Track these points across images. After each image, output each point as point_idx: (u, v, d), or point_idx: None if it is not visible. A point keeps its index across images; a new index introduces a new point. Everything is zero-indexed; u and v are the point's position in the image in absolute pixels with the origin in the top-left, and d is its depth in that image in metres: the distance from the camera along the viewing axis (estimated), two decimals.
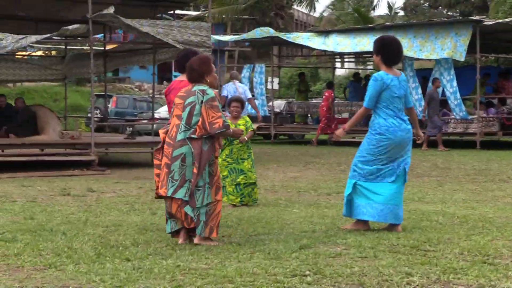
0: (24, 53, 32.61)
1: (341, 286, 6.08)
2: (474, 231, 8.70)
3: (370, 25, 28.14)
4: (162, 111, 30.80)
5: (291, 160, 19.82)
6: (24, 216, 10.07)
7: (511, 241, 7.99)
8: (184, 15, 54.67)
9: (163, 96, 44.22)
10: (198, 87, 7.89)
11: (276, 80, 34.49)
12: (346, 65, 51.65)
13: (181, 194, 7.76)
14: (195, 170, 7.75)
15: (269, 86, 35.54)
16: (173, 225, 8.05)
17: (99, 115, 30.67)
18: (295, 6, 58.61)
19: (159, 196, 8.10)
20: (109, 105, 35.17)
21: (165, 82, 54.11)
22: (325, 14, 69.70)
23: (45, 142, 18.47)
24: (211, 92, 7.86)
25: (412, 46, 24.07)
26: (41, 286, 6.09)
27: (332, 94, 27.21)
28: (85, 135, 19.66)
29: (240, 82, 20.88)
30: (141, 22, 17.62)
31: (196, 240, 7.88)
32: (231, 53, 63.05)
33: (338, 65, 51.61)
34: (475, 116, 23.73)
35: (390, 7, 67.88)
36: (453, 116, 23.94)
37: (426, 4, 76.75)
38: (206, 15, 48.96)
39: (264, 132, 28.65)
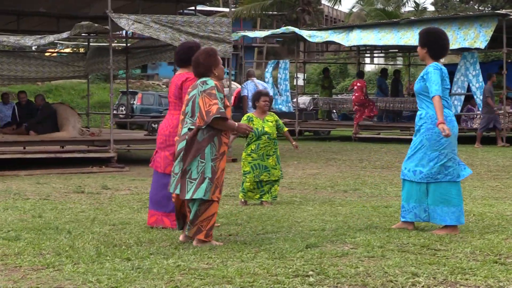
0: (52, 50, 32.78)
1: (344, 287, 5.91)
2: (489, 229, 8.47)
3: (394, 20, 27.76)
4: None
5: (312, 156, 19.61)
6: (33, 214, 9.97)
7: None
8: (213, 11, 54.65)
9: None
10: (200, 80, 7.67)
11: (301, 76, 34.26)
12: (375, 60, 51.30)
13: (199, 194, 7.53)
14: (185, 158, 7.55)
15: (296, 82, 35.42)
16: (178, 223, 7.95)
17: (124, 112, 30.63)
18: (324, 2, 58.31)
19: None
20: (134, 102, 35.18)
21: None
22: (354, 10, 69.53)
23: (64, 139, 18.42)
24: (211, 82, 7.58)
25: None
26: (35, 287, 5.97)
27: (365, 83, 27.03)
28: (105, 132, 19.57)
29: (257, 79, 20.74)
30: (160, 19, 17.44)
31: (194, 243, 7.62)
32: (261, 49, 62.94)
33: (367, 60, 51.36)
34: (502, 111, 23.34)
35: (416, 3, 67.27)
36: (478, 112, 23.57)
37: None
38: (235, 10, 48.97)
39: (288, 128, 28.35)
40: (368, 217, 9.45)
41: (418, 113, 8.47)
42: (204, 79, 7.64)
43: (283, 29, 28.70)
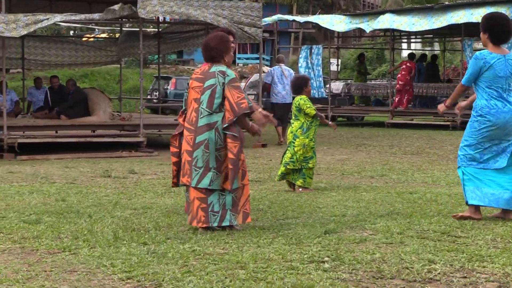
0: (89, 35, 32.93)
1: (358, 273, 5.84)
2: None
3: (428, 5, 27.41)
4: None
5: (342, 142, 19.49)
6: (57, 198, 10.01)
7: None
8: None
9: None
10: (217, 68, 7.55)
11: (334, 61, 34.08)
12: (412, 46, 50.89)
13: (205, 183, 7.45)
14: (232, 156, 7.44)
15: (332, 68, 35.24)
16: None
17: (158, 97, 30.67)
18: None
19: (176, 185, 7.90)
20: (168, 87, 35.23)
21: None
22: None
23: (95, 123, 18.48)
24: (232, 73, 7.55)
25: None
26: (49, 270, 5.98)
27: (414, 66, 26.84)
28: (136, 117, 19.61)
29: (286, 65, 20.79)
30: (191, 2, 17.41)
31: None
32: (297, 34, 62.77)
33: (404, 46, 50.96)
34: None
35: None
36: None
37: None
38: None
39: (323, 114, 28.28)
40: (391, 203, 9.37)
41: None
42: (220, 68, 7.54)
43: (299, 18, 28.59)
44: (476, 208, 8.23)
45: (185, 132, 7.62)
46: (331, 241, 6.91)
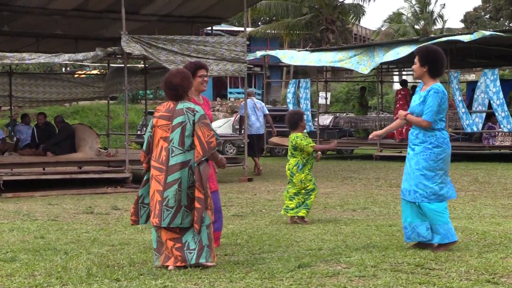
0: (80, 72, 33.05)
1: None
2: (489, 248, 8.35)
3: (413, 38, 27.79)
4: None
5: (329, 175, 19.52)
6: (36, 235, 10.00)
7: None
8: (237, 31, 54.84)
9: (216, 112, 44.01)
10: (184, 105, 7.51)
11: (323, 95, 34.20)
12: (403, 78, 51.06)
13: (177, 222, 7.39)
14: (200, 195, 7.40)
15: (320, 101, 35.32)
16: (155, 259, 7.66)
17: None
18: (352, 21, 58.20)
19: (136, 223, 7.78)
20: None
21: (218, 99, 54.21)
22: (383, 28, 69.42)
23: (80, 159, 18.50)
24: (200, 109, 7.53)
25: None
26: None
27: (409, 92, 26.92)
28: (122, 153, 19.62)
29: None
30: (175, 39, 17.52)
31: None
32: (288, 68, 62.98)
33: (396, 78, 51.15)
34: None
35: (441, 16, 66.83)
36: (500, 129, 23.35)
37: (487, 16, 75.82)
38: (262, 30, 49.07)
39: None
40: (368, 236, 9.37)
41: (414, 132, 8.40)
42: (187, 105, 7.51)
43: (261, 53, 28.85)
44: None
45: (154, 172, 7.52)
46: (303, 275, 6.91)
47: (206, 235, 7.48)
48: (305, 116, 11.35)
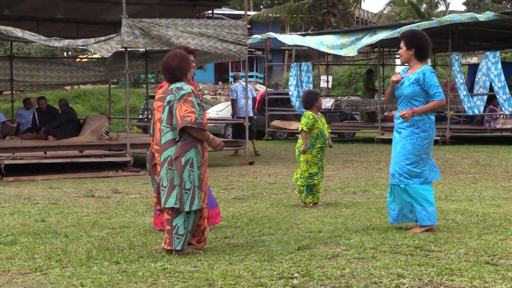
0: (82, 56, 33.04)
1: None
2: (489, 230, 8.37)
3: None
4: (212, 111, 30.74)
5: (330, 158, 19.49)
6: (36, 218, 10.01)
7: None
8: (239, 15, 54.71)
9: (218, 96, 43.99)
10: (174, 85, 7.44)
11: (325, 78, 34.13)
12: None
13: (171, 202, 7.27)
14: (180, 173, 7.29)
15: (322, 85, 35.25)
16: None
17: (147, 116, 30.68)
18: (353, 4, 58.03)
19: (162, 211, 7.61)
20: None
21: (220, 83, 54.16)
22: (385, 11, 69.30)
23: (80, 143, 18.49)
24: (188, 88, 7.40)
25: None
26: None
27: None
28: (123, 136, 19.62)
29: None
30: (176, 22, 17.47)
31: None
32: (290, 52, 62.85)
33: (398, 61, 51.01)
34: None
35: (435, 3, 66.83)
36: (501, 112, 23.32)
37: None
38: (264, 14, 48.93)
39: None
40: (368, 218, 9.39)
41: (400, 114, 8.37)
42: (179, 84, 7.43)
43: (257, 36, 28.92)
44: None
45: (156, 154, 7.51)
46: (303, 257, 6.92)
47: (192, 220, 7.39)
48: (320, 98, 11.24)
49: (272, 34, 29.41)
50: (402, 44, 8.44)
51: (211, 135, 7.50)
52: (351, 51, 24.78)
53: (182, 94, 7.34)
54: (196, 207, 7.30)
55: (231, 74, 60.43)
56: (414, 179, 8.26)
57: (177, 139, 7.31)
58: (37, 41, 16.98)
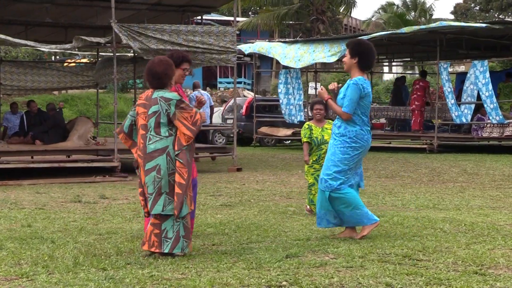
0: (70, 60, 32.95)
1: None
2: (477, 239, 8.36)
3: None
4: None
5: None
6: (23, 223, 9.95)
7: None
8: (228, 21, 54.69)
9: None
10: (158, 94, 7.46)
11: (313, 85, 34.16)
12: (394, 69, 51.14)
13: (158, 209, 7.37)
14: (182, 181, 7.37)
15: (310, 91, 35.29)
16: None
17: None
18: (343, 12, 58.15)
19: (149, 214, 7.63)
20: None
21: (208, 88, 54.12)
22: (373, 19, 69.51)
23: (68, 148, 18.44)
24: (174, 96, 7.44)
25: None
26: None
27: (428, 84, 26.88)
28: (110, 142, 19.56)
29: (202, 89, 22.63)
30: (164, 28, 17.46)
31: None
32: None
33: (385, 69, 51.20)
34: (511, 120, 23.12)
35: (424, 11, 67.02)
36: (488, 121, 23.37)
37: (477, 8, 75.90)
38: (253, 21, 48.96)
39: (299, 137, 28.31)
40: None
41: (337, 123, 8.43)
42: (161, 94, 7.45)
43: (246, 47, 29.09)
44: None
45: (139, 160, 7.55)
46: (291, 265, 6.90)
47: (182, 225, 7.46)
48: (316, 106, 11.12)
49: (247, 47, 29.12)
50: (346, 52, 8.49)
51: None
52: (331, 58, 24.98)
53: (175, 104, 7.41)
54: (185, 212, 7.43)
55: (219, 79, 60.43)
56: (340, 186, 8.32)
57: (170, 149, 7.41)
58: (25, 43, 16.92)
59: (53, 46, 17.51)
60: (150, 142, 7.41)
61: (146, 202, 7.54)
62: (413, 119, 26.17)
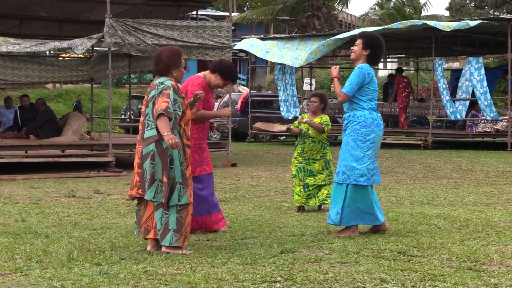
0: (65, 55, 32.87)
1: None
2: (471, 235, 8.35)
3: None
4: None
5: None
6: (17, 218, 9.92)
7: (506, 247, 7.65)
8: (223, 16, 54.59)
9: None
10: (159, 80, 7.50)
11: (308, 81, 34.15)
12: (389, 65, 51.05)
13: (149, 196, 7.35)
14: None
15: (305, 87, 35.25)
16: (136, 232, 7.72)
17: (132, 117, 30.58)
18: (337, 6, 58.09)
19: (132, 198, 7.67)
20: (140, 107, 35.15)
21: None
22: (370, 14, 69.44)
23: (62, 143, 18.39)
24: (168, 82, 7.42)
25: None
26: None
27: (401, 80, 27.04)
28: (105, 137, 19.53)
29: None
30: (158, 24, 17.43)
31: (163, 249, 7.45)
32: None
33: (381, 65, 51.08)
34: (506, 117, 23.13)
35: (415, 8, 67.00)
36: (483, 117, 23.39)
37: (472, 5, 75.87)
38: (248, 15, 48.86)
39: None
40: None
41: (346, 114, 8.42)
42: (162, 79, 7.49)
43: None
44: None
45: (136, 145, 7.57)
46: (286, 261, 6.89)
47: (174, 218, 7.38)
48: (312, 98, 11.04)
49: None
50: (358, 42, 8.41)
51: (168, 131, 7.23)
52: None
53: (161, 89, 7.38)
54: (180, 202, 7.36)
55: None
56: (359, 178, 8.25)
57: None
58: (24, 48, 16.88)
59: (52, 45, 17.34)
60: (148, 128, 7.40)
61: (132, 184, 7.55)
62: (403, 116, 26.39)
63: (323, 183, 10.85)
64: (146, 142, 7.40)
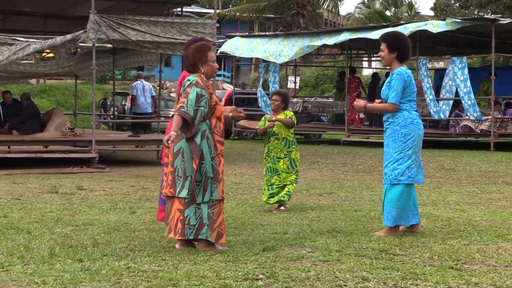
0: (48, 50, 32.74)
1: None
2: (453, 234, 8.39)
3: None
4: None
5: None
6: None
7: (487, 246, 7.68)
8: (206, 13, 54.56)
9: None
10: (188, 77, 7.47)
11: (292, 79, 34.20)
12: (373, 64, 51.18)
13: (184, 193, 7.30)
14: (194, 165, 7.30)
15: (289, 85, 35.29)
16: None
17: (117, 113, 30.51)
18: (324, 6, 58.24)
19: (166, 196, 7.58)
20: (126, 103, 35.11)
21: None
22: (356, 14, 69.63)
23: (45, 139, 18.34)
24: (193, 78, 7.36)
25: None
26: None
27: (353, 80, 27.64)
28: (88, 133, 19.48)
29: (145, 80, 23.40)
30: (142, 20, 17.42)
31: (200, 247, 7.41)
32: None
33: (365, 64, 51.21)
34: (489, 117, 23.23)
35: (410, 5, 67.40)
36: (466, 117, 23.48)
37: (457, 5, 76.12)
38: (231, 12, 48.86)
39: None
40: (334, 221, 9.39)
41: (385, 116, 8.42)
42: (189, 77, 7.44)
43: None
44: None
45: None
46: (268, 259, 6.89)
47: (206, 213, 7.36)
48: (274, 96, 11.01)
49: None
50: (383, 47, 8.38)
51: (174, 131, 7.24)
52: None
53: (185, 86, 7.38)
54: (211, 197, 7.34)
55: None
56: (399, 177, 8.24)
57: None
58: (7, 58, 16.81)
59: (31, 49, 17.25)
60: None
61: (166, 183, 7.50)
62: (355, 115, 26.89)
63: (288, 182, 10.76)
64: (177, 139, 7.33)
